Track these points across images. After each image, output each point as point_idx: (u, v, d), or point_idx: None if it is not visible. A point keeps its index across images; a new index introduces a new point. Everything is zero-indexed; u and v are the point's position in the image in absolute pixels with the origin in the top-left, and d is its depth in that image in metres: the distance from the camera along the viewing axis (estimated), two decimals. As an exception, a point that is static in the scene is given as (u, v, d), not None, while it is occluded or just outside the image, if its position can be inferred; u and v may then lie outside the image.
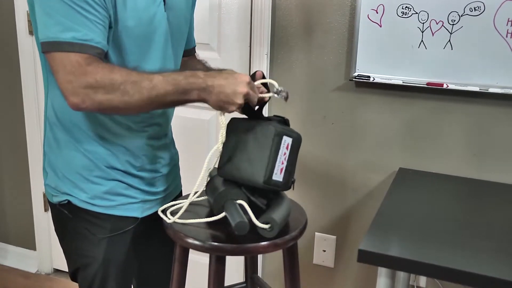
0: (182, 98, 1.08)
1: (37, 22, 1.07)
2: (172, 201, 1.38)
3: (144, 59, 1.18)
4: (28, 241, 2.57)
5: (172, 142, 1.43)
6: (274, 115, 1.28)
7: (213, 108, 1.11)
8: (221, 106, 1.10)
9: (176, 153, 1.46)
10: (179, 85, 1.07)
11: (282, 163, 1.18)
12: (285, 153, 1.18)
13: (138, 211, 1.29)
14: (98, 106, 1.05)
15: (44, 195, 2.42)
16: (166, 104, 1.10)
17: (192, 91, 1.08)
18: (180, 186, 1.49)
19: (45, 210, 2.45)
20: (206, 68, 1.40)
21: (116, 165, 1.24)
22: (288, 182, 1.20)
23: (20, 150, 2.44)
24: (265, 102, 1.24)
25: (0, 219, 2.61)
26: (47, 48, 1.04)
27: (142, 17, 1.14)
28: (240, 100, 1.08)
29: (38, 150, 2.35)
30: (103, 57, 1.08)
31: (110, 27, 1.10)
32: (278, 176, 1.18)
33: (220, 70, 1.15)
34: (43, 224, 2.49)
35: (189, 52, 1.47)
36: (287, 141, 1.19)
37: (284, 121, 1.25)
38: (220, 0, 1.94)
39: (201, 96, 1.08)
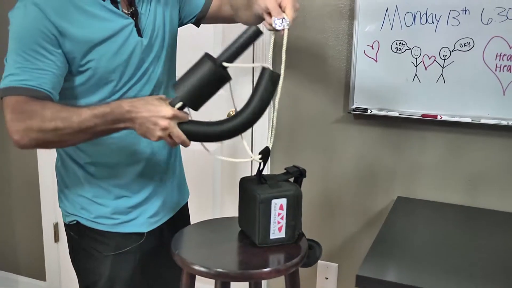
0: (111, 128, 1.14)
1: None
2: (178, 212, 1.49)
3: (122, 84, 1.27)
4: (38, 272, 2.60)
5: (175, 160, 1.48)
6: (293, 166, 1.35)
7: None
8: (145, 136, 1.14)
9: (181, 167, 1.53)
10: (106, 118, 1.12)
11: (279, 223, 1.27)
12: (279, 214, 1.26)
13: (144, 226, 1.38)
14: (36, 143, 1.13)
15: (55, 226, 2.48)
16: (98, 133, 1.15)
17: (119, 122, 1.13)
18: (187, 196, 1.57)
19: (55, 240, 2.50)
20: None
21: (116, 190, 1.34)
22: (294, 234, 1.29)
23: (32, 181, 2.49)
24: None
25: (11, 250, 2.65)
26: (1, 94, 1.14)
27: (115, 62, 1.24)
28: (160, 133, 1.12)
29: (50, 181, 2.40)
30: (50, 99, 1.14)
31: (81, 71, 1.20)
32: (277, 234, 1.28)
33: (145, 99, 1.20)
34: (53, 254, 2.53)
35: (206, 6, 1.48)
36: (278, 203, 1.26)
37: (300, 173, 1.32)
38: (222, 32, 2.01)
39: (127, 126, 1.14)
